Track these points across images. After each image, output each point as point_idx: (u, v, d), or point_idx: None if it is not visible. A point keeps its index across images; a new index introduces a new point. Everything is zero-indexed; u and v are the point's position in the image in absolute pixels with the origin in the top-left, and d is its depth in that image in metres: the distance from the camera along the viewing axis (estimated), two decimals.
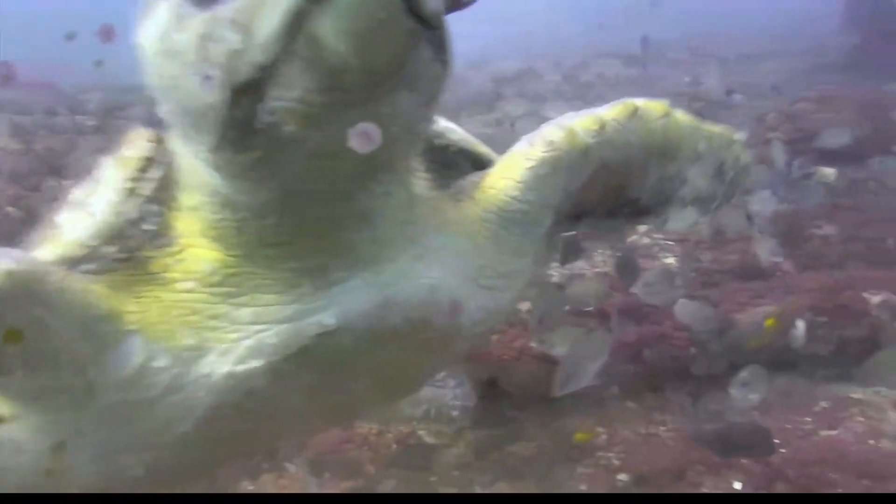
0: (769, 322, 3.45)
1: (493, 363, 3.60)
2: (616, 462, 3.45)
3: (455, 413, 3.53)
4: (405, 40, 0.99)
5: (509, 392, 3.65)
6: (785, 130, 7.08)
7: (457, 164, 1.57)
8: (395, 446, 3.48)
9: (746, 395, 2.94)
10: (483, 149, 1.66)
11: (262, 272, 1.23)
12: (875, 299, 3.98)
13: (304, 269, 1.23)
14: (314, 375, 1.29)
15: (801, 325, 3.74)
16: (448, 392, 3.48)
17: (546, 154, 1.52)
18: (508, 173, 1.54)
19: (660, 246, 4.90)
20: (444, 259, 1.38)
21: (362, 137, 1.02)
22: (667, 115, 1.64)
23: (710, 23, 20.00)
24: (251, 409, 1.28)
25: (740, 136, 1.81)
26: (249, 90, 0.99)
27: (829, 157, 6.08)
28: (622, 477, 3.35)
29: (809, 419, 3.58)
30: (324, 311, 1.24)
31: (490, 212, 1.50)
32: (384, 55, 0.98)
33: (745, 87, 10.53)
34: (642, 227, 5.03)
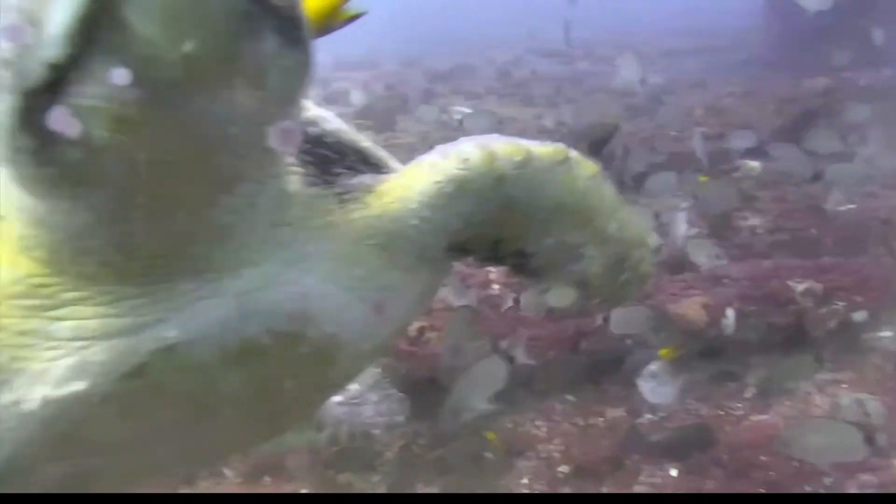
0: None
1: (430, 361, 3.60)
2: (556, 454, 3.49)
3: (377, 432, 3.52)
4: (235, 26, 0.85)
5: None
6: (711, 125, 7.27)
7: (340, 160, 1.39)
8: (335, 448, 3.45)
9: (655, 389, 2.94)
10: (367, 143, 1.49)
11: (82, 283, 1.06)
12: (800, 287, 4.13)
13: (141, 279, 1.07)
14: (162, 399, 1.13)
15: (731, 314, 3.85)
16: (368, 409, 3.48)
17: (457, 171, 1.33)
18: (410, 183, 1.35)
19: None
20: (321, 265, 1.23)
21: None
22: (596, 177, 1.47)
23: (636, 21, 20.46)
24: (87, 442, 1.10)
25: (655, 242, 1.66)
26: (46, 91, 0.84)
27: (753, 150, 6.28)
28: (563, 469, 3.39)
29: (740, 405, 3.69)
30: (164, 323, 1.07)
31: (382, 221, 1.31)
32: (207, 43, 0.84)
33: (672, 83, 10.80)
34: None
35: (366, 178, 1.37)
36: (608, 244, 1.49)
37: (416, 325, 3.71)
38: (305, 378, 1.29)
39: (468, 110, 8.27)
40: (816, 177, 4.52)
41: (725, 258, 4.08)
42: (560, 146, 1.44)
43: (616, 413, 3.66)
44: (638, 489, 3.27)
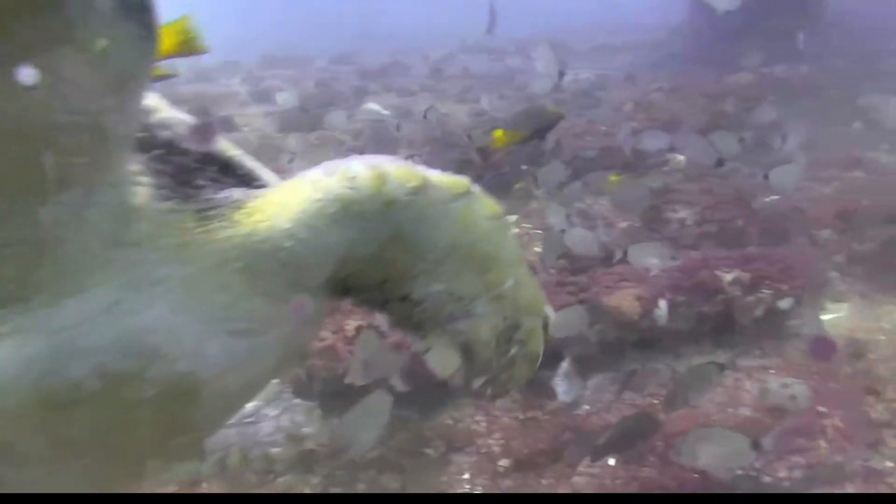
0: None
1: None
2: (497, 449, 3.52)
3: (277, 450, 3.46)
4: None
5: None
6: (640, 120, 7.42)
7: (201, 170, 1.19)
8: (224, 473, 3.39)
9: (567, 387, 2.94)
10: (235, 152, 1.30)
11: None
12: (728, 277, 4.25)
13: None
14: None
15: (663, 305, 3.94)
16: (267, 425, 3.42)
17: (342, 190, 1.17)
18: (287, 200, 1.17)
19: (529, 235, 5.03)
20: (173, 292, 1.04)
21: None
22: (498, 219, 1.32)
23: (568, 17, 20.77)
24: None
25: (551, 316, 1.50)
26: None
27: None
28: (503, 462, 3.42)
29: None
30: None
31: (250, 241, 1.13)
32: None
33: (602, 79, 10.98)
34: (512, 217, 5.16)
35: (235, 193, 1.19)
36: (501, 303, 1.35)
37: (354, 324, 3.69)
38: (165, 420, 1.12)
39: (385, 111, 8.21)
40: (719, 163, 4.65)
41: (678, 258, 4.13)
42: (462, 179, 1.30)
43: (555, 405, 3.71)
44: (577, 480, 3.31)
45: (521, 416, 3.68)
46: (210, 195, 1.15)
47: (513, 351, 1.40)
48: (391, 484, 3.30)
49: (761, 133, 5.90)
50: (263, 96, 10.83)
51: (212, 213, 1.13)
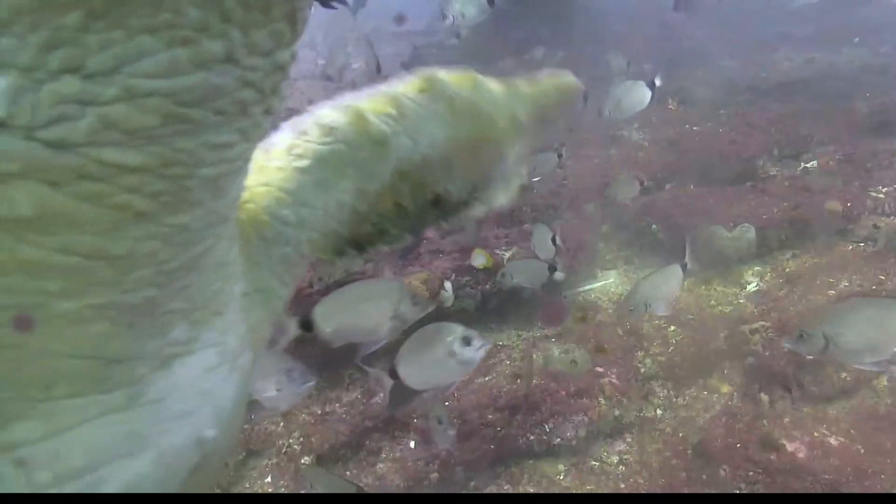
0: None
1: None
2: (297, 447, 3.45)
3: None
4: None
5: None
6: None
7: None
8: None
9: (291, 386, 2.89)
10: None
11: None
12: (507, 254, 4.46)
13: None
14: None
15: (448, 286, 4.05)
16: None
17: (325, 148, 1.02)
18: (266, 177, 1.01)
19: None
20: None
21: None
22: (476, 86, 1.20)
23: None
24: None
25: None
26: None
27: None
28: (305, 460, 3.36)
29: None
30: None
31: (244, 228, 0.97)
32: None
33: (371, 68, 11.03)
34: None
35: None
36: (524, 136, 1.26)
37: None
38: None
39: None
40: None
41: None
42: (425, 73, 1.15)
43: (352, 396, 3.70)
44: (381, 467, 3.33)
45: (319, 411, 3.63)
46: None
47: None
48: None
49: None
50: None
51: None
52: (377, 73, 5.42)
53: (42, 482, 0.70)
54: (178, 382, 0.80)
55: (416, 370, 2.65)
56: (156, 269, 0.70)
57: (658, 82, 4.50)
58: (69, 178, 0.60)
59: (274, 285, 1.03)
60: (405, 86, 1.12)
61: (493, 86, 1.23)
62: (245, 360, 0.96)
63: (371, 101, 1.08)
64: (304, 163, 1.01)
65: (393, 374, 2.68)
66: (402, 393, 3.21)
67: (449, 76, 1.17)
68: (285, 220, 1.00)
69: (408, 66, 10.63)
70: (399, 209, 1.16)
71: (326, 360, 3.84)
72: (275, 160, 1.02)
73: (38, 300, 0.64)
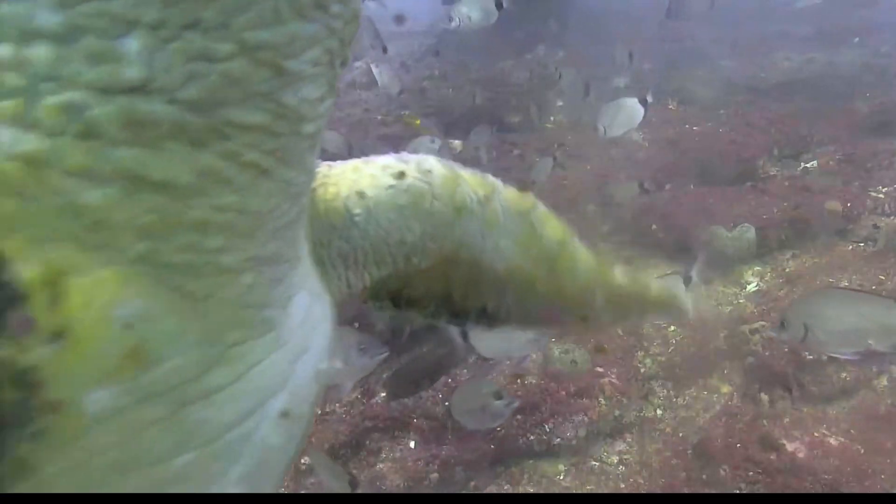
0: None
1: None
2: None
3: None
4: None
5: None
6: (414, 107, 7.56)
7: None
8: None
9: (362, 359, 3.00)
10: None
11: None
12: None
13: None
14: None
15: None
16: None
17: (416, 183, 1.07)
18: (356, 175, 1.07)
19: None
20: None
21: None
22: (564, 241, 1.24)
23: None
24: None
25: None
26: None
27: (454, 130, 6.65)
28: (305, 460, 3.36)
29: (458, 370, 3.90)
30: None
31: (319, 205, 1.04)
32: None
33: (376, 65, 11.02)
34: None
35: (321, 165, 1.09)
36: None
37: None
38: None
39: None
40: None
41: None
42: (528, 196, 1.20)
43: (352, 396, 3.70)
44: (381, 467, 3.33)
45: (319, 411, 3.63)
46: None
47: None
48: None
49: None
50: None
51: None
52: (383, 54, 5.43)
53: (229, 420, 0.78)
54: (296, 322, 0.87)
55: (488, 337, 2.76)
56: (278, 223, 0.76)
57: (650, 99, 4.60)
58: (211, 140, 0.64)
59: (328, 268, 1.07)
60: (507, 190, 1.17)
61: (583, 255, 1.27)
62: (328, 302, 1.01)
63: (471, 175, 1.13)
64: (390, 181, 1.06)
65: (464, 336, 2.80)
66: (405, 385, 3.23)
67: (547, 213, 1.22)
68: (355, 219, 1.05)
69: (405, 66, 10.66)
70: (446, 293, 1.21)
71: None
72: (370, 168, 1.08)
73: (207, 258, 0.70)
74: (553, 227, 1.22)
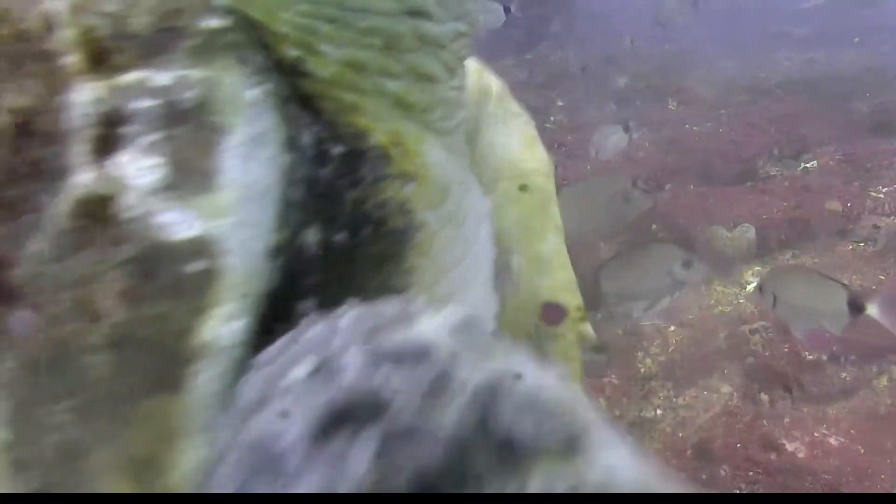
0: None
1: None
2: None
3: None
4: None
5: None
6: None
7: None
8: None
9: None
10: None
11: None
12: None
13: None
14: None
15: None
16: None
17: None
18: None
19: None
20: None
21: None
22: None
23: None
24: None
25: None
26: None
27: None
28: None
29: None
30: None
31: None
32: None
33: None
34: None
35: None
36: None
37: None
38: None
39: None
40: None
41: None
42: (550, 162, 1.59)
43: None
44: None
45: None
46: None
47: None
48: None
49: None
50: None
51: None
52: None
53: (473, 234, 1.06)
54: (473, 202, 1.07)
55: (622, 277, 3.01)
56: (449, 119, 1.04)
57: (632, 124, 5.00)
58: (440, 56, 0.97)
59: None
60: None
61: (560, 259, 1.47)
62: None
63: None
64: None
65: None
66: None
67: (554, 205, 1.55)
68: None
69: None
70: None
71: None
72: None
73: (450, 124, 1.04)
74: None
